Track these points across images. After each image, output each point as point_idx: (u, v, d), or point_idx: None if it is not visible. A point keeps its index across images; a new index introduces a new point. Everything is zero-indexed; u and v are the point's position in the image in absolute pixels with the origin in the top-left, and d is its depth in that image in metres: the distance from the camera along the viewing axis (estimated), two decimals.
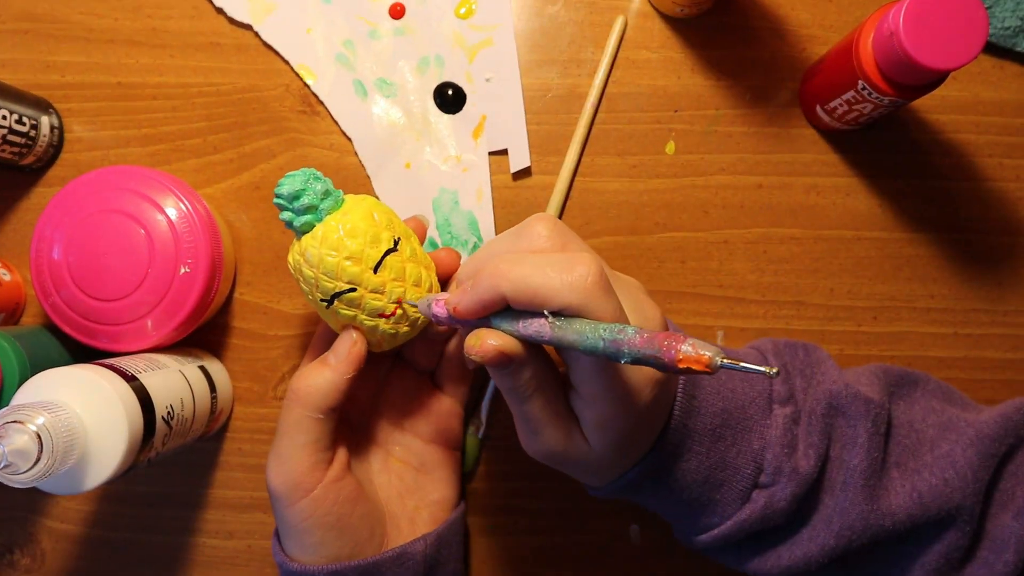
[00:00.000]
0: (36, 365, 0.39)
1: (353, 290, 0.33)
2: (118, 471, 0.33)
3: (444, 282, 0.38)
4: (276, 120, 0.45)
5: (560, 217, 0.45)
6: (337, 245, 0.33)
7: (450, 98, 0.45)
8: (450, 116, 0.45)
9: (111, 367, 0.35)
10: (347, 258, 0.33)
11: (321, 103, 0.45)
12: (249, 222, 0.45)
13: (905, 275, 0.44)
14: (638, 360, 0.25)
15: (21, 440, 0.29)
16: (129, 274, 0.39)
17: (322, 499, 0.34)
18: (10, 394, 0.37)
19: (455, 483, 0.41)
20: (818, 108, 0.42)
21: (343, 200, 0.34)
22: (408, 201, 0.44)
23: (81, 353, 0.42)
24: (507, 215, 0.45)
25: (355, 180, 0.45)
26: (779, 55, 0.45)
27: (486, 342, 0.28)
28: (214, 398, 0.42)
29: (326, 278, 0.33)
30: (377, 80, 0.45)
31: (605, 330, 0.26)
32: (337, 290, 0.33)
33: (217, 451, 0.45)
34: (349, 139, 0.45)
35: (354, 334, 0.35)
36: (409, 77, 0.45)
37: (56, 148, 0.45)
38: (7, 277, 0.44)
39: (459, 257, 0.38)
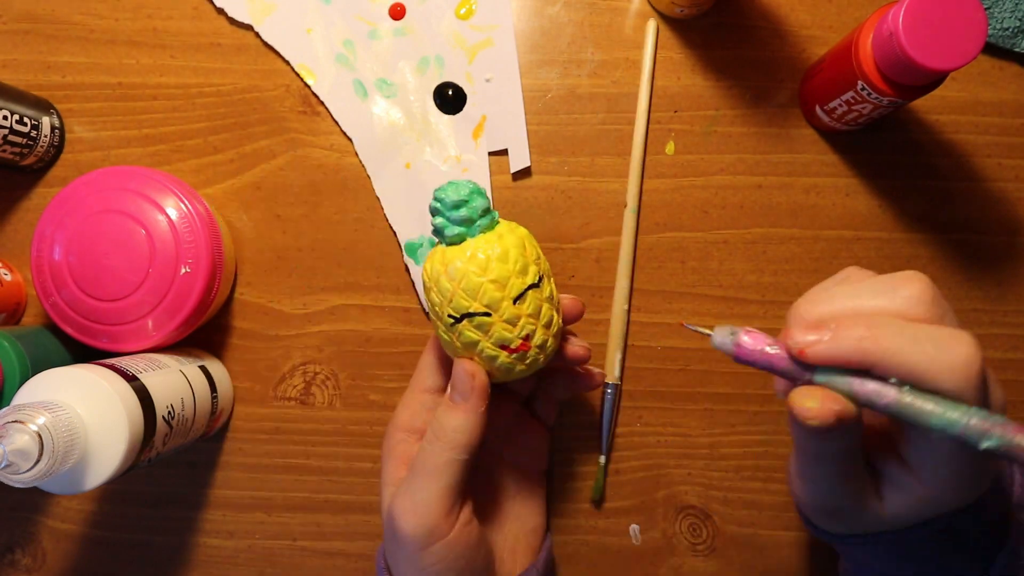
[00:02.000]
0: (37, 365, 0.39)
1: (488, 315, 0.32)
2: (119, 471, 0.33)
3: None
4: (276, 120, 0.45)
5: (637, 214, 0.45)
6: (485, 266, 0.31)
7: (450, 98, 0.45)
8: (450, 116, 0.45)
9: (112, 367, 0.35)
10: (492, 281, 0.31)
11: (321, 103, 0.45)
12: (249, 222, 0.45)
13: None
14: (1005, 450, 0.23)
15: (22, 440, 0.29)
16: (130, 274, 0.39)
17: (455, 543, 0.33)
18: (11, 394, 0.37)
19: (545, 509, 0.40)
20: (818, 108, 0.42)
21: (498, 222, 0.34)
22: (408, 201, 0.44)
23: (81, 353, 0.42)
24: (507, 215, 0.45)
25: (355, 180, 0.45)
26: (779, 55, 0.45)
27: (826, 405, 0.25)
28: (215, 398, 0.42)
29: (463, 295, 0.32)
30: (377, 80, 0.45)
31: (973, 413, 0.24)
32: (471, 310, 0.32)
33: (218, 451, 0.45)
34: (349, 139, 0.45)
35: (469, 366, 0.33)
36: (409, 77, 0.45)
37: (57, 148, 0.45)
38: (8, 277, 0.44)
39: (583, 307, 0.37)
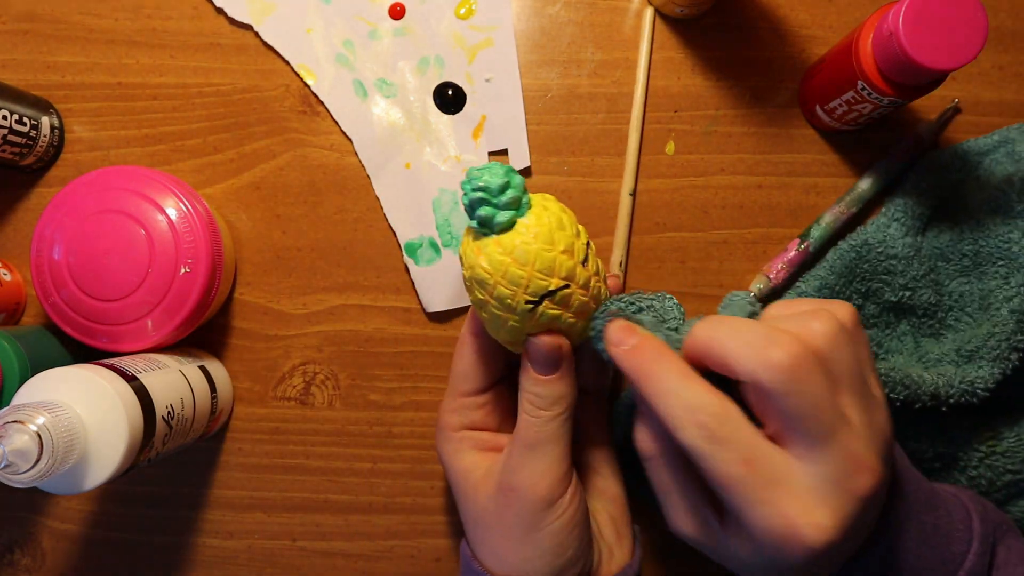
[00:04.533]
0: (36, 365, 0.39)
1: (567, 287, 0.31)
2: (118, 471, 0.33)
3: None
4: (276, 120, 0.45)
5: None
6: (551, 239, 0.30)
7: (450, 98, 0.45)
8: (450, 116, 0.45)
9: (111, 367, 0.35)
10: (563, 252, 0.30)
11: (321, 103, 0.45)
12: (249, 222, 0.45)
13: None
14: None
15: (21, 440, 0.29)
16: (129, 274, 0.39)
17: (572, 499, 0.34)
18: (10, 394, 0.37)
19: (621, 477, 0.40)
20: (818, 108, 0.42)
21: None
22: (408, 201, 0.44)
23: (81, 353, 0.42)
24: None
25: (355, 180, 0.45)
26: (779, 55, 0.45)
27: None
28: (214, 398, 0.42)
29: (540, 276, 0.30)
30: (377, 80, 0.45)
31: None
32: (551, 287, 0.30)
33: (217, 451, 0.45)
34: (349, 139, 0.45)
35: (549, 339, 0.32)
36: (409, 77, 0.45)
37: (56, 148, 0.45)
38: (7, 277, 0.44)
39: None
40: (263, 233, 0.45)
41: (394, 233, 0.45)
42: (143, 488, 0.45)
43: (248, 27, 0.45)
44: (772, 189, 0.44)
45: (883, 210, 0.42)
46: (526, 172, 0.45)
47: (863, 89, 0.38)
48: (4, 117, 0.40)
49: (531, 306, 0.31)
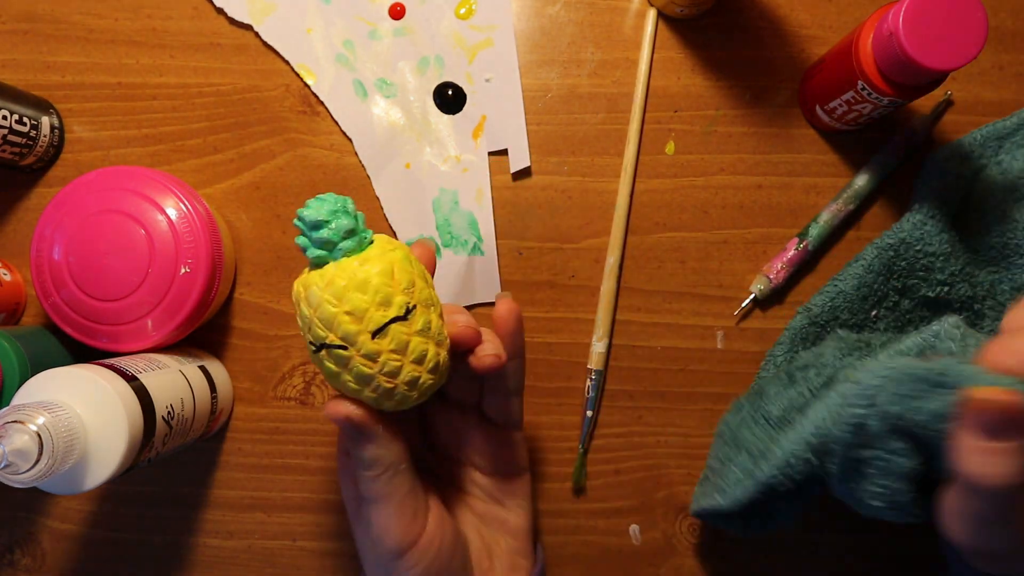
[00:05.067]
0: (36, 365, 0.39)
1: (344, 348, 0.29)
2: (118, 471, 0.33)
3: (461, 354, 0.33)
4: (276, 120, 0.45)
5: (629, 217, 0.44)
6: (340, 295, 0.29)
7: (450, 98, 0.45)
8: (450, 116, 0.45)
9: (111, 367, 0.35)
10: (347, 312, 0.29)
11: (321, 103, 0.45)
12: (249, 222, 0.45)
13: None
14: None
15: (21, 440, 0.29)
16: (129, 274, 0.39)
17: (429, 544, 0.34)
18: (10, 394, 0.37)
19: (528, 508, 0.40)
20: (818, 108, 0.42)
21: (369, 242, 0.31)
22: (408, 201, 0.44)
23: (81, 353, 0.42)
24: (507, 215, 0.45)
25: (355, 180, 0.45)
26: (779, 55, 0.45)
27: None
28: (214, 398, 0.42)
29: (319, 325, 0.29)
30: (377, 80, 0.45)
31: None
32: (328, 342, 0.29)
33: (217, 451, 0.45)
34: (349, 139, 0.45)
35: (334, 407, 0.31)
36: (409, 77, 0.45)
37: (57, 148, 0.45)
38: (7, 277, 0.44)
39: (477, 336, 0.33)
40: (263, 233, 0.45)
41: (394, 233, 0.45)
42: (143, 488, 0.45)
43: (248, 27, 0.45)
44: (772, 189, 0.44)
45: (916, 207, 0.41)
46: (526, 172, 0.45)
47: (863, 89, 0.38)
48: (4, 117, 0.40)
49: (313, 348, 0.30)
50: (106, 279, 0.39)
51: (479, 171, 0.44)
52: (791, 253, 0.43)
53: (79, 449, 0.32)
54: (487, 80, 0.45)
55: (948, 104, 0.44)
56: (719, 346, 0.44)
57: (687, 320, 0.44)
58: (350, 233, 0.30)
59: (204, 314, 0.41)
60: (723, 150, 0.45)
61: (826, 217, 0.43)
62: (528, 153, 0.45)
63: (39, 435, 0.30)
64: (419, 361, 0.30)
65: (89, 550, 0.45)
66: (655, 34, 0.45)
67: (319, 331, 0.29)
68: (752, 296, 0.43)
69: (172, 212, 0.39)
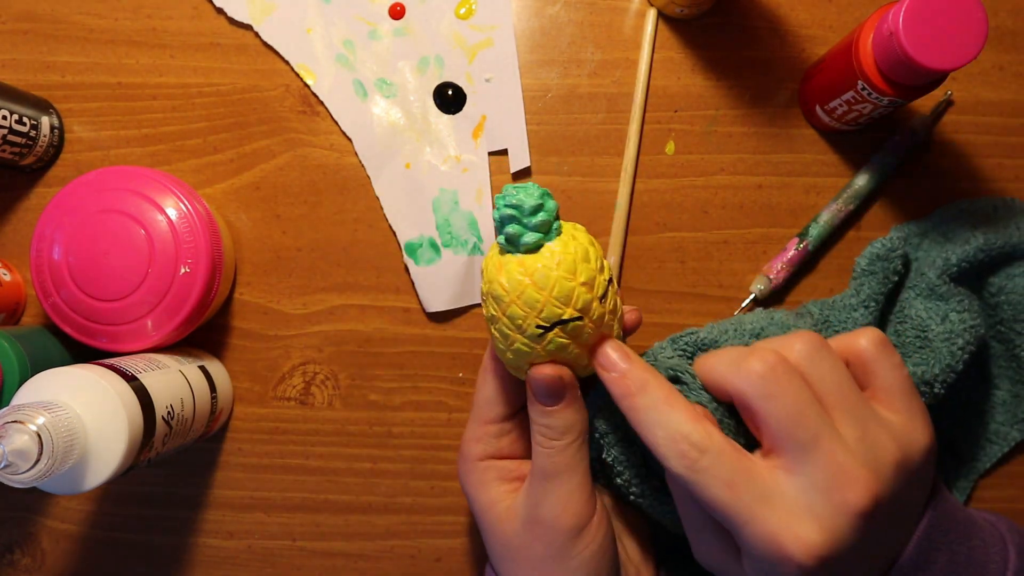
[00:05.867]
0: (36, 365, 0.39)
1: (581, 319, 0.30)
2: (118, 471, 0.33)
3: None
4: (276, 120, 0.45)
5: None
6: (573, 269, 0.30)
7: (450, 98, 0.45)
8: (450, 116, 0.45)
9: (111, 367, 0.35)
10: (583, 284, 0.30)
11: (321, 103, 0.45)
12: (249, 222, 0.45)
13: None
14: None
15: (21, 440, 0.29)
16: (129, 274, 0.39)
17: (600, 523, 0.33)
18: (10, 394, 0.37)
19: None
20: (818, 108, 0.42)
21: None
22: (408, 201, 0.44)
23: (81, 353, 0.42)
24: None
25: (355, 180, 0.45)
26: (779, 55, 0.45)
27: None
28: (214, 398, 0.42)
29: (555, 303, 0.30)
30: (377, 80, 0.45)
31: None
32: (565, 316, 0.30)
33: (217, 451, 0.45)
34: (349, 139, 0.45)
35: (550, 370, 0.32)
36: (409, 77, 0.45)
37: (56, 148, 0.45)
38: (7, 277, 0.44)
39: (640, 318, 0.36)
40: (263, 233, 0.45)
41: (394, 233, 0.45)
42: (143, 488, 0.45)
43: (248, 27, 0.45)
44: (772, 189, 0.44)
45: (851, 291, 0.41)
46: (525, 172, 0.45)
47: (863, 89, 0.37)
48: (4, 117, 0.40)
49: (541, 331, 0.30)
50: (106, 279, 0.39)
51: (479, 171, 0.44)
52: (791, 253, 0.43)
53: (79, 449, 0.32)
54: (487, 80, 0.45)
55: (948, 104, 0.44)
56: None
57: (687, 320, 0.44)
58: (557, 216, 0.31)
59: (204, 314, 0.41)
60: (723, 150, 0.45)
61: (826, 217, 0.43)
62: (528, 153, 0.45)
63: (39, 435, 0.30)
64: (620, 319, 0.33)
65: (89, 550, 0.45)
66: (655, 34, 0.45)
67: (555, 309, 0.30)
68: (752, 296, 0.43)
69: (172, 212, 0.39)
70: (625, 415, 0.30)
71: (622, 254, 0.44)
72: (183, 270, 0.39)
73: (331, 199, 0.45)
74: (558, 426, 0.32)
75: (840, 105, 0.40)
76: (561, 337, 0.31)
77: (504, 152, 0.45)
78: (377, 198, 0.45)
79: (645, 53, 0.44)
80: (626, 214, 0.44)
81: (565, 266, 0.30)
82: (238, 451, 0.45)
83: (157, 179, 0.40)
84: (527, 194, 0.30)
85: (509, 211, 0.30)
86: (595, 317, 0.31)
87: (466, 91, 0.45)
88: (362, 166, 0.45)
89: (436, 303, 0.44)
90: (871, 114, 0.40)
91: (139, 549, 0.45)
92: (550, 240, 0.31)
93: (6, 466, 0.29)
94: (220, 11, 0.45)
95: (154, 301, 0.39)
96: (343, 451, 0.45)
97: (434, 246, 0.44)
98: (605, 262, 0.32)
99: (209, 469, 0.45)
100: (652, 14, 0.44)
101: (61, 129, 0.45)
